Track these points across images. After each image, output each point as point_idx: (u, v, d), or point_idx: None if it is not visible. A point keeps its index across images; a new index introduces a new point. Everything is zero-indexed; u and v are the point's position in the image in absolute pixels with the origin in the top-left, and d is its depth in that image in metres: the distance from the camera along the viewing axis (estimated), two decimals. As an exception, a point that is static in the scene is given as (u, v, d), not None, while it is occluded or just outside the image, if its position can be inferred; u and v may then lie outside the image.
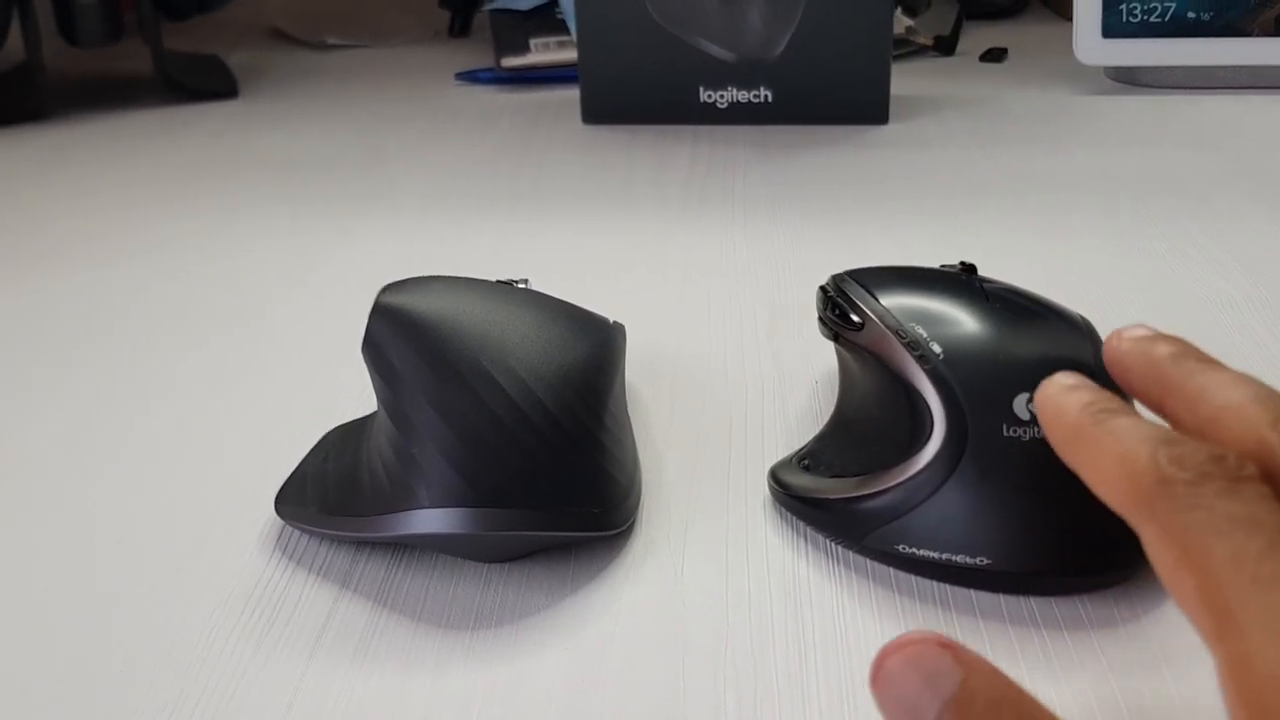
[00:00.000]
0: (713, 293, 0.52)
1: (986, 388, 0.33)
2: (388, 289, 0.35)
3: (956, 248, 0.55)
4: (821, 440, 0.37)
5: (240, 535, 0.36)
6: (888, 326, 0.35)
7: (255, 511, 0.37)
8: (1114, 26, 0.79)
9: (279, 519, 0.36)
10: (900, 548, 0.32)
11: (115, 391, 0.45)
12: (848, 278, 0.38)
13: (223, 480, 0.39)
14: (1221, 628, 0.20)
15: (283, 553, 0.35)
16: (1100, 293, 0.50)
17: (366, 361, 0.34)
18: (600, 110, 0.77)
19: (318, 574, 0.34)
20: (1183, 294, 0.50)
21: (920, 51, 0.93)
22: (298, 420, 0.42)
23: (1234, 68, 0.79)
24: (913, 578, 0.33)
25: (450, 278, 0.37)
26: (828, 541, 0.34)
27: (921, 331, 0.34)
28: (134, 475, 0.39)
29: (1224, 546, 0.20)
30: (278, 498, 0.36)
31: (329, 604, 0.33)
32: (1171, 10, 0.78)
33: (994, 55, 0.91)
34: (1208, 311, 0.48)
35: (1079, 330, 0.35)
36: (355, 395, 0.43)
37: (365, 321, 0.34)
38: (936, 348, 0.33)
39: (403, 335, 0.34)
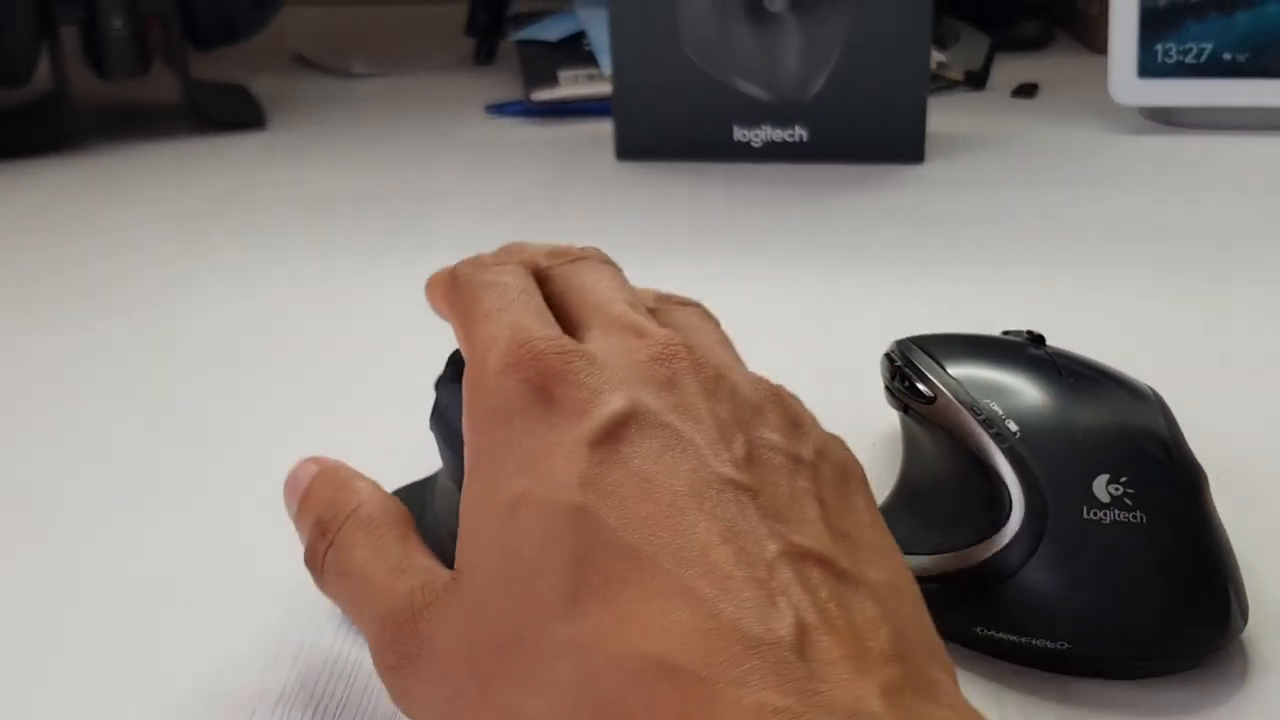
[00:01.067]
0: (756, 345, 0.51)
1: (1065, 468, 0.32)
2: (457, 358, 0.34)
3: (1003, 300, 0.55)
4: (888, 513, 0.36)
5: (310, 605, 0.35)
6: (961, 402, 0.34)
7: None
8: (1150, 66, 0.78)
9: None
10: (978, 630, 0.32)
11: (148, 443, 0.44)
12: (914, 346, 0.37)
13: (270, 538, 0.38)
14: (466, 336, 0.30)
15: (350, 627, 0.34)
16: (1152, 349, 0.50)
17: (435, 433, 0.33)
18: (634, 147, 0.77)
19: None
20: (1242, 352, 0.49)
21: (950, 86, 0.93)
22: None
23: (1271, 109, 0.79)
24: (989, 660, 0.32)
25: None
26: (899, 619, 0.34)
27: (996, 408, 0.34)
28: (174, 530, 0.39)
29: (487, 297, 0.30)
30: None
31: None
32: (1208, 51, 0.78)
33: (1025, 91, 0.91)
34: (1272, 372, 0.48)
35: (1151, 404, 0.35)
36: (397, 449, 0.43)
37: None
38: (1013, 425, 0.33)
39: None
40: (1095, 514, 0.31)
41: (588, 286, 0.31)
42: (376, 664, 0.27)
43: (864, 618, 0.23)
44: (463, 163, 0.79)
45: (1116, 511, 0.31)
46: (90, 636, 0.34)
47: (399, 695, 0.26)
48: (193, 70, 0.87)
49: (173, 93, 0.89)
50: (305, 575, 0.36)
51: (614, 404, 0.25)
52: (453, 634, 0.25)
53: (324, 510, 0.29)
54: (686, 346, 0.27)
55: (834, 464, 0.27)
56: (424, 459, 0.42)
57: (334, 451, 0.43)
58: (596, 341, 0.28)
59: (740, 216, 0.67)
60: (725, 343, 0.31)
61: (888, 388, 0.38)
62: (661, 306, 0.32)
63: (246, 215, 0.70)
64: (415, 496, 0.37)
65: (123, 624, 0.35)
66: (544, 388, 0.26)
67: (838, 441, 0.29)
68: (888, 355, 0.38)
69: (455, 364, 0.35)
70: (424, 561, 0.27)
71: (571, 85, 0.89)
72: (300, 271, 0.61)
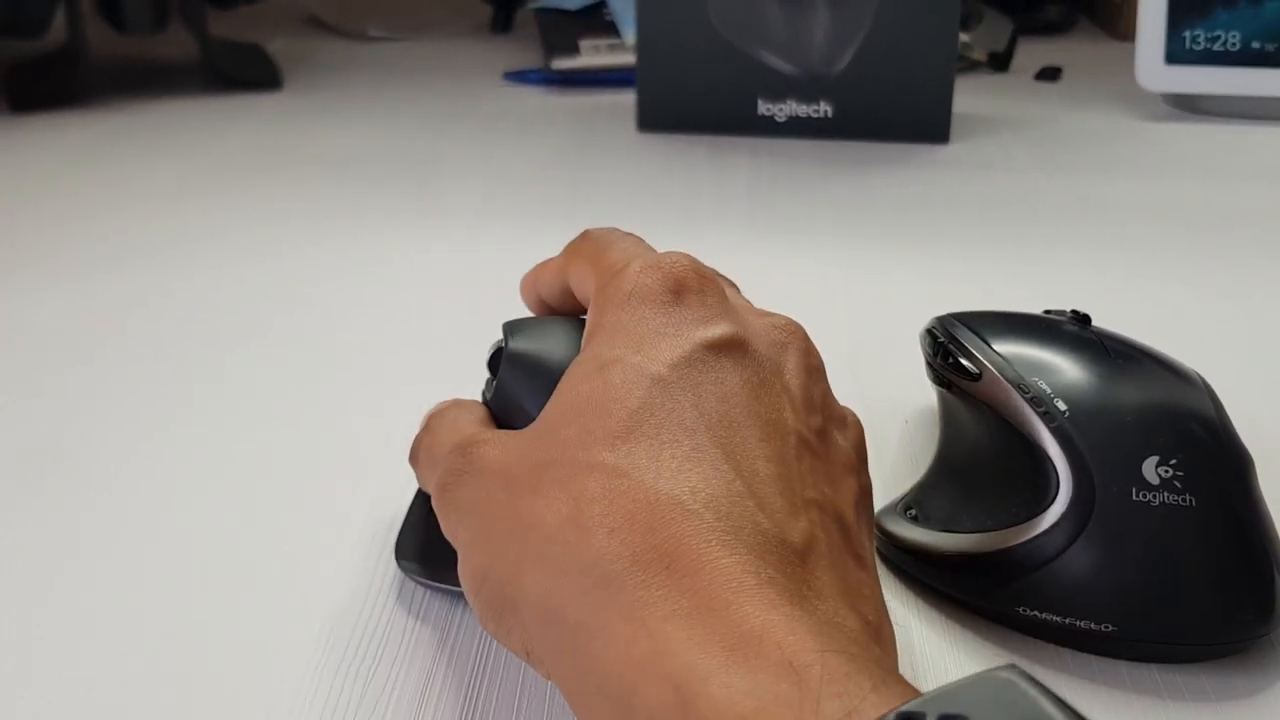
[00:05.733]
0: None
1: (1115, 449, 0.32)
2: (514, 335, 0.33)
3: (1033, 282, 0.54)
4: (926, 489, 0.36)
5: (367, 583, 0.35)
6: (1008, 379, 0.34)
7: (348, 557, 0.36)
8: (1177, 53, 0.78)
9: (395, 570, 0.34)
10: (1020, 610, 0.31)
11: (154, 400, 0.44)
12: (957, 322, 0.37)
13: (305, 520, 0.38)
14: (598, 264, 0.31)
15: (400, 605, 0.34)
16: (1183, 335, 0.49)
17: (495, 410, 0.32)
18: (656, 119, 0.76)
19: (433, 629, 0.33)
20: (1271, 339, 0.49)
21: (973, 67, 0.92)
22: (376, 450, 0.41)
23: (1298, 99, 0.79)
24: (1031, 641, 0.32)
25: (567, 319, 0.34)
26: (938, 597, 0.33)
27: (1044, 386, 0.33)
28: (202, 504, 0.38)
29: (618, 246, 0.32)
30: (396, 551, 0.34)
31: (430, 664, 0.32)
32: (1236, 39, 0.77)
33: (1049, 74, 0.90)
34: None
35: (1199, 387, 0.35)
36: (415, 410, 0.42)
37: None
38: (1061, 404, 0.33)
39: (540, 384, 0.32)
40: (1144, 496, 0.31)
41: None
42: (434, 489, 0.29)
43: (857, 582, 0.26)
44: (480, 130, 0.78)
45: (1166, 495, 0.31)
46: (148, 617, 0.34)
47: (444, 510, 0.28)
48: (210, 29, 0.86)
49: (189, 51, 0.88)
50: (328, 547, 0.36)
51: (733, 328, 0.28)
52: (501, 455, 0.28)
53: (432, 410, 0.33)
54: (804, 334, 0.31)
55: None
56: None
57: (349, 415, 0.43)
58: None
59: (763, 191, 0.66)
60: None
61: (929, 364, 0.37)
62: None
63: (261, 175, 0.69)
64: None
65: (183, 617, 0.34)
66: (678, 291, 0.29)
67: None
68: (930, 331, 0.38)
69: (517, 337, 0.33)
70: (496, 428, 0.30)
71: (593, 54, 0.88)
72: (313, 233, 0.60)
